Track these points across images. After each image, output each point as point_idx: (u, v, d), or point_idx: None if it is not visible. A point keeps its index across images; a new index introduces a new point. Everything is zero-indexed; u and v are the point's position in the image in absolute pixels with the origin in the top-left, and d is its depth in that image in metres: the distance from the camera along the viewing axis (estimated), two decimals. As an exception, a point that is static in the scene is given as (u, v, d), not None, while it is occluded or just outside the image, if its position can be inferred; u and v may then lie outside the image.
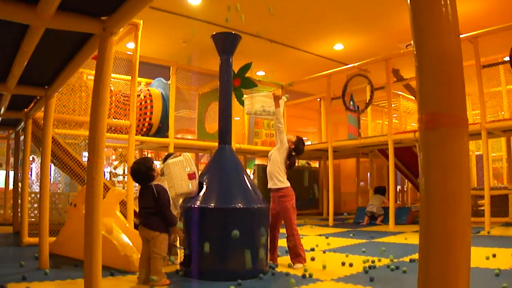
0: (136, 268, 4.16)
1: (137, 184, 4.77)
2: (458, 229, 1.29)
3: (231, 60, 4.86)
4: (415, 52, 1.40)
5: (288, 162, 4.86)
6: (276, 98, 4.84)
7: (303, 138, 5.16)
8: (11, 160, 9.18)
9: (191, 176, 4.26)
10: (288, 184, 4.79)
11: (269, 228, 4.63)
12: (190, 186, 4.26)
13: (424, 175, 1.34)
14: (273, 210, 4.77)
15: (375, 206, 9.81)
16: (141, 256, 3.96)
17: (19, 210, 6.90)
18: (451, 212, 1.29)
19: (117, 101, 6.72)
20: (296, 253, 4.67)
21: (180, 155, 4.52)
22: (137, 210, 4.21)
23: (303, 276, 4.12)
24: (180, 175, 4.26)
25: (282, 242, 6.49)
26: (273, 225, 4.79)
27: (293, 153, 4.92)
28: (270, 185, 4.84)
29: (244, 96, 5.00)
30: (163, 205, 3.90)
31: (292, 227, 4.67)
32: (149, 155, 13.69)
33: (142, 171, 3.98)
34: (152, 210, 3.89)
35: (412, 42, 1.42)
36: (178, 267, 4.48)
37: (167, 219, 3.93)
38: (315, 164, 15.15)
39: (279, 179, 4.76)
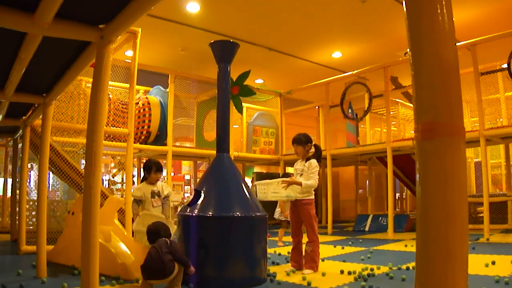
0: (134, 276, 4.14)
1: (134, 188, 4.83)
2: (456, 238, 1.29)
3: (229, 68, 4.86)
4: (411, 61, 1.40)
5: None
6: (289, 184, 4.89)
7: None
8: (9, 167, 9.18)
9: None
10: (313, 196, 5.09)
11: (293, 235, 5.05)
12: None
13: (420, 185, 1.33)
14: (295, 217, 5.05)
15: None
16: None
17: (17, 218, 6.88)
18: (448, 221, 1.28)
19: (116, 109, 6.72)
20: (312, 259, 4.81)
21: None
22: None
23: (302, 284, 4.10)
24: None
25: (279, 249, 6.49)
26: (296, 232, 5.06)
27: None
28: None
29: (259, 182, 5.09)
30: (178, 250, 3.70)
31: (314, 234, 4.89)
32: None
33: (161, 231, 3.80)
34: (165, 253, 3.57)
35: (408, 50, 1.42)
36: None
37: (184, 263, 3.66)
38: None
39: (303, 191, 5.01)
